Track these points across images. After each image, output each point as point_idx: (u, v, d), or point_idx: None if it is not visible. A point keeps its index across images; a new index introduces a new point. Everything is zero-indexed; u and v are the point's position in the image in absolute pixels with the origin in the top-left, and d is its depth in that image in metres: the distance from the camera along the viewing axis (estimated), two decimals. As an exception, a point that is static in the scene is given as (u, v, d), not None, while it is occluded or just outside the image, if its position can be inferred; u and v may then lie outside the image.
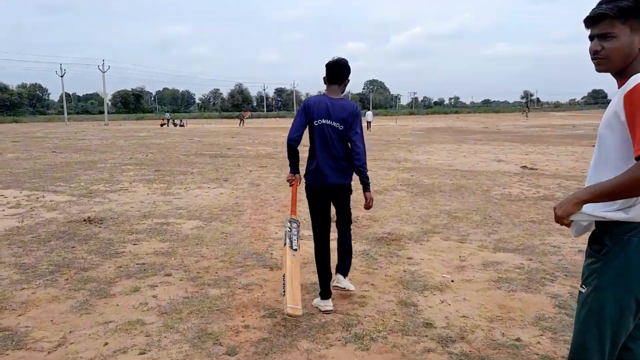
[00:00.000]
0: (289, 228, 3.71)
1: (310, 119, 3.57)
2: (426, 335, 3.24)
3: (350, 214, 3.89)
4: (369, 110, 46.41)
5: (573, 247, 5.31)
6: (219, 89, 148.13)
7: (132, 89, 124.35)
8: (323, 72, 3.67)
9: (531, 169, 12.13)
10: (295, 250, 3.54)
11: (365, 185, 3.67)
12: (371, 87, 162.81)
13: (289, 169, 3.85)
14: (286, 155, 3.86)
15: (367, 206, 3.72)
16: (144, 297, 3.92)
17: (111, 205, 7.82)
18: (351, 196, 3.87)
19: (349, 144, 3.59)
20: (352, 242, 4.05)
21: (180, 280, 4.31)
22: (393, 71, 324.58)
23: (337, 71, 3.61)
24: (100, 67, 70.13)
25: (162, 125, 53.55)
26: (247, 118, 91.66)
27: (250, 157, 16.11)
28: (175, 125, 53.04)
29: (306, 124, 3.59)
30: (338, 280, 3.85)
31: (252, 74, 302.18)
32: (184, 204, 7.96)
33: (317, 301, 3.71)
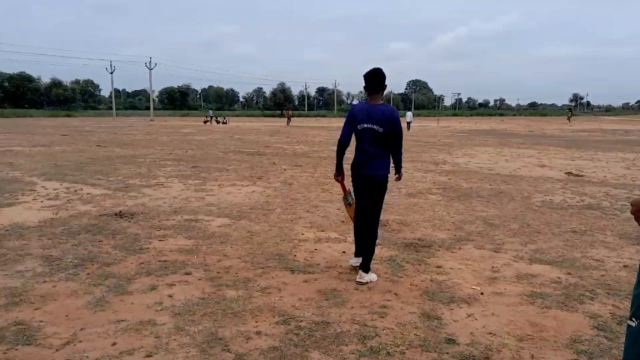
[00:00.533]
0: (346, 198, 4.96)
1: (355, 123, 4.26)
2: (447, 353, 3.01)
3: (380, 205, 4.46)
4: (409, 110, 45.78)
5: (618, 261, 4.92)
6: (262, 88, 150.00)
7: (178, 86, 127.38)
8: (364, 70, 4.15)
9: (577, 175, 11.52)
10: (350, 204, 4.87)
11: (399, 169, 4.57)
12: (414, 87, 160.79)
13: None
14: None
15: (398, 178, 4.59)
16: (160, 296, 3.86)
17: (144, 200, 7.89)
18: (385, 195, 4.47)
19: (389, 143, 4.28)
20: (378, 246, 4.86)
21: (199, 279, 4.24)
22: (437, 71, 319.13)
23: (374, 81, 4.24)
24: (148, 65, 72.28)
25: (205, 122, 54.53)
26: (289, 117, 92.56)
27: (286, 155, 16.08)
28: (218, 122, 53.89)
29: (353, 127, 4.28)
30: (359, 275, 4.35)
31: (295, 73, 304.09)
32: (215, 200, 7.95)
33: (353, 260, 4.70)
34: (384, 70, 4.24)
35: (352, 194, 4.74)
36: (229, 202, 7.81)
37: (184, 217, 6.68)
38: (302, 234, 5.89)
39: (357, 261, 4.60)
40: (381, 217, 4.96)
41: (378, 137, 4.22)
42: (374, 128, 4.21)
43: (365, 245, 4.35)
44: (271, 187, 9.33)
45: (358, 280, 4.23)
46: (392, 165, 4.38)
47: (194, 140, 23.38)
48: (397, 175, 4.55)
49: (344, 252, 5.18)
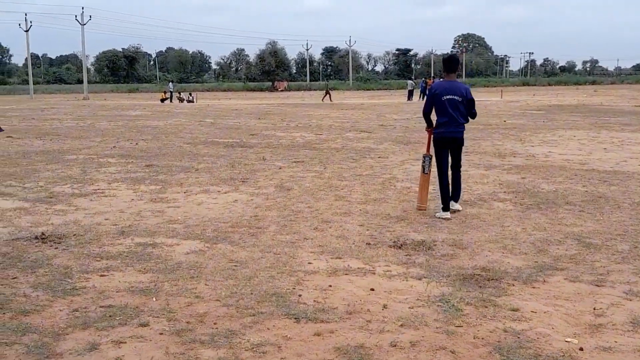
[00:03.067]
0: (423, 160, 8.25)
1: (438, 97, 7.85)
2: None
3: (460, 159, 8.21)
4: (441, 78, 46.48)
5: None
6: (243, 50, 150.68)
7: (123, 49, 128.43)
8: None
9: None
10: (427, 173, 8.10)
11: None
12: (465, 44, 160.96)
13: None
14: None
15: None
16: (104, 359, 3.80)
17: (77, 216, 7.89)
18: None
19: (465, 108, 7.90)
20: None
21: (160, 334, 4.20)
22: (498, 21, 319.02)
23: (451, 64, 8.05)
24: (79, 18, 72.68)
25: (163, 100, 54.87)
26: (281, 90, 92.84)
27: (281, 147, 16.10)
28: (181, 100, 54.18)
29: (434, 100, 7.90)
30: (452, 205, 7.97)
31: (291, 27, 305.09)
32: (181, 215, 7.95)
33: (441, 213, 7.80)
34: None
35: (430, 161, 8.18)
36: (200, 218, 7.79)
37: (135, 241, 6.68)
38: (309, 263, 5.86)
39: (445, 214, 7.77)
40: (426, 237, 6.70)
41: (457, 104, 7.83)
42: (455, 98, 7.83)
43: (455, 190, 8.06)
44: (261, 194, 9.32)
45: (452, 208, 7.90)
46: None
47: (148, 127, 23.48)
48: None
49: (372, 289, 5.12)
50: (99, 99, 60.48)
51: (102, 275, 5.48)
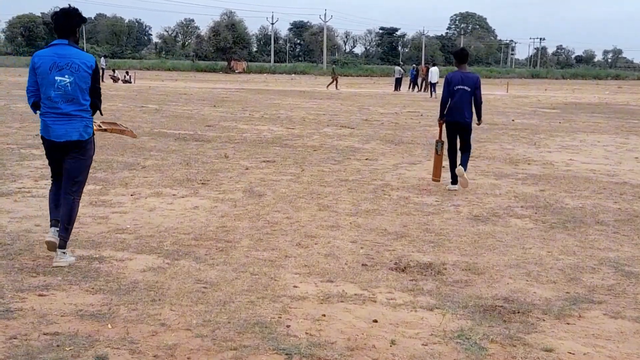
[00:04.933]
0: (436, 145, 11.14)
1: (452, 87, 10.65)
2: None
3: (469, 142, 10.91)
4: (434, 66, 47.73)
5: None
6: (193, 20, 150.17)
7: (42, 13, 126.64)
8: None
9: None
10: (439, 154, 11.00)
11: (479, 116, 11.17)
12: (462, 25, 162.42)
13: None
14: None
15: (478, 123, 11.26)
16: (57, 399, 3.79)
17: (1, 221, 7.80)
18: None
19: (475, 98, 10.78)
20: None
21: (123, 369, 4.18)
22: (503, 0, 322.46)
23: (462, 56, 11.06)
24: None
25: (92, 79, 54.19)
26: (239, 72, 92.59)
27: (246, 143, 16.11)
28: (115, 80, 53.71)
29: (450, 89, 10.74)
30: (458, 169, 10.49)
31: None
32: (130, 223, 7.94)
33: (450, 186, 10.79)
34: None
35: (442, 145, 11.10)
36: (155, 227, 7.79)
37: (77, 253, 6.64)
38: (295, 287, 5.90)
39: (454, 187, 10.75)
40: (433, 259, 6.95)
41: (468, 94, 10.62)
42: (465, 88, 10.59)
43: (462, 161, 10.68)
44: (227, 200, 9.33)
45: (457, 168, 10.54)
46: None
47: (77, 112, 23.20)
48: (478, 122, 11.19)
49: (375, 320, 5.17)
50: (12, 74, 59.50)
51: (40, 295, 5.44)
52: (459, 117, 10.66)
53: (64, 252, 6.29)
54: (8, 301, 5.29)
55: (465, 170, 10.53)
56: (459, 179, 10.62)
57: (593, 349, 4.79)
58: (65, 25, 6.33)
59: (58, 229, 6.35)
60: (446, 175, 11.18)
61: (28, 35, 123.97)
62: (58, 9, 6.45)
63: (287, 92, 43.78)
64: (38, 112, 6.43)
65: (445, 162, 11.12)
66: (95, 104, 6.57)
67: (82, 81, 6.26)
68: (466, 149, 10.85)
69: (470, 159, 10.95)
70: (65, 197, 6.41)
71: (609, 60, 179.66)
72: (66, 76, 6.17)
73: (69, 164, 6.41)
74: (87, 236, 7.28)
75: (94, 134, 6.58)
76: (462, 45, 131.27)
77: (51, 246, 6.28)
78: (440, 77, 40.14)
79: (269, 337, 4.76)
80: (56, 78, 6.16)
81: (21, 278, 5.84)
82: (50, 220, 6.53)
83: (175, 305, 5.32)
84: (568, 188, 11.16)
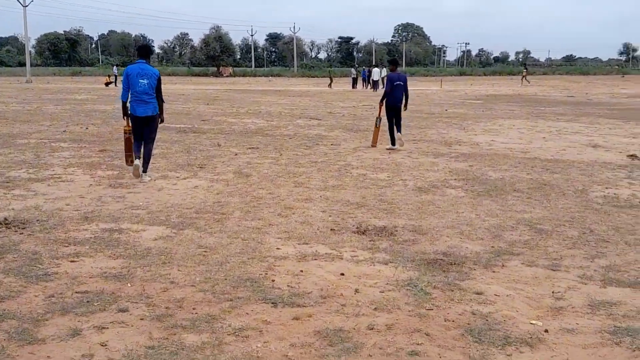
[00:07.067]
0: (376, 119, 13.76)
1: (393, 82, 13.09)
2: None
3: (401, 119, 13.41)
4: (376, 67, 47.86)
5: None
6: (187, 34, 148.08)
7: (65, 31, 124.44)
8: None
9: (643, 159, 11.89)
10: (378, 127, 13.70)
11: (406, 104, 13.53)
12: (404, 33, 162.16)
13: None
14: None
15: (405, 107, 13.61)
16: (88, 345, 3.76)
17: (38, 201, 7.69)
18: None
19: (405, 91, 13.30)
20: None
21: (141, 319, 4.16)
22: (436, 12, 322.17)
23: (396, 62, 14.25)
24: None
25: (107, 84, 53.37)
26: (226, 75, 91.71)
27: (234, 133, 15.98)
28: (126, 84, 52.77)
29: (391, 84, 13.07)
30: (396, 133, 13.26)
31: (236, 13, 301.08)
32: (142, 200, 7.85)
33: (388, 146, 13.25)
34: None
35: (380, 120, 13.50)
36: (163, 203, 7.71)
37: (100, 226, 6.58)
38: (278, 249, 5.89)
39: (391, 147, 13.12)
40: (387, 223, 6.84)
41: (401, 87, 13.08)
42: (400, 84, 13.09)
43: (396, 131, 13.21)
44: (221, 181, 9.26)
45: (398, 136, 13.25)
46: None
47: (96, 112, 22.93)
48: (404, 108, 13.38)
49: (342, 274, 5.19)
50: (41, 82, 58.34)
51: (72, 261, 5.39)
52: (398, 102, 13.10)
53: (145, 174, 9.12)
54: (46, 267, 5.23)
55: (400, 134, 13.28)
56: (397, 141, 13.13)
57: (514, 291, 4.85)
58: (144, 52, 9.40)
59: (141, 161, 9.06)
60: (382, 143, 13.52)
61: (54, 50, 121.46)
62: (141, 43, 9.89)
63: (266, 92, 43.42)
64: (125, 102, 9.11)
65: (383, 135, 13.55)
66: (161, 99, 9.18)
67: (153, 83, 8.97)
68: (400, 125, 13.26)
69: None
70: (146, 146, 9.21)
71: (520, 59, 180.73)
72: (145, 80, 8.89)
73: (146, 129, 9.13)
74: (108, 212, 7.19)
75: (160, 112, 9.20)
76: (403, 50, 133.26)
77: (136, 169, 8.94)
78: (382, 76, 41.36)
79: (258, 290, 4.76)
80: (139, 81, 8.88)
81: (56, 248, 5.77)
82: (136, 157, 9.01)
83: (181, 267, 5.29)
84: (491, 163, 11.22)
